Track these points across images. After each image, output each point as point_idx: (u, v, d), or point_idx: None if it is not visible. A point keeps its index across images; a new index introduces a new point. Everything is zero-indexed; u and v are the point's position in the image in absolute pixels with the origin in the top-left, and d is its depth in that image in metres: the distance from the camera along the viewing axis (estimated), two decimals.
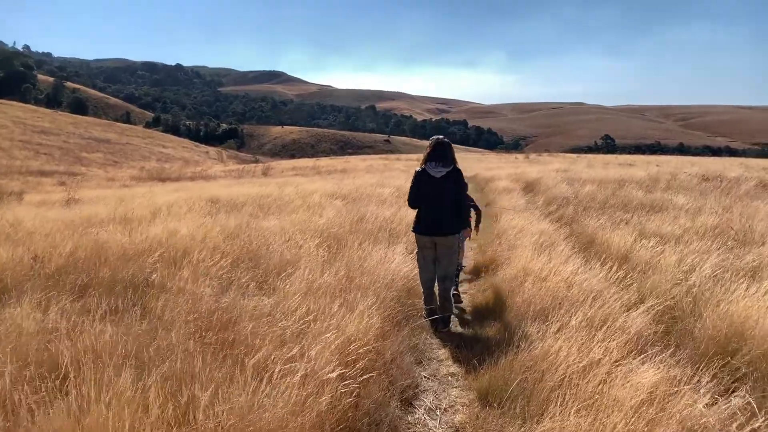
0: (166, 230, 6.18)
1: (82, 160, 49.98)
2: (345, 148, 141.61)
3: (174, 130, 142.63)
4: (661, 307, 4.52)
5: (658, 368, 3.30)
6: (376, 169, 31.64)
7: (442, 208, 5.06)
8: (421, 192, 5.11)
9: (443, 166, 5.03)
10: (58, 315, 3.72)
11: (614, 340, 3.70)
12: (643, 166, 36.60)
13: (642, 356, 3.54)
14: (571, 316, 4.21)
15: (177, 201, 9.33)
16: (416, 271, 5.49)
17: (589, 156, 67.81)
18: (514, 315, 4.85)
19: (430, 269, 5.26)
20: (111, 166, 50.09)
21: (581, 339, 3.73)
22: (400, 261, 5.88)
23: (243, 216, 7.45)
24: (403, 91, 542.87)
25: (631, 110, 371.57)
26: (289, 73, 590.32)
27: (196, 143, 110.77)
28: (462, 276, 6.78)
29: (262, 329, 3.61)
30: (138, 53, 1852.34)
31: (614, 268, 5.44)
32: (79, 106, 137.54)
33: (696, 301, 4.57)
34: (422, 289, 5.34)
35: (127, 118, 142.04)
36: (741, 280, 4.73)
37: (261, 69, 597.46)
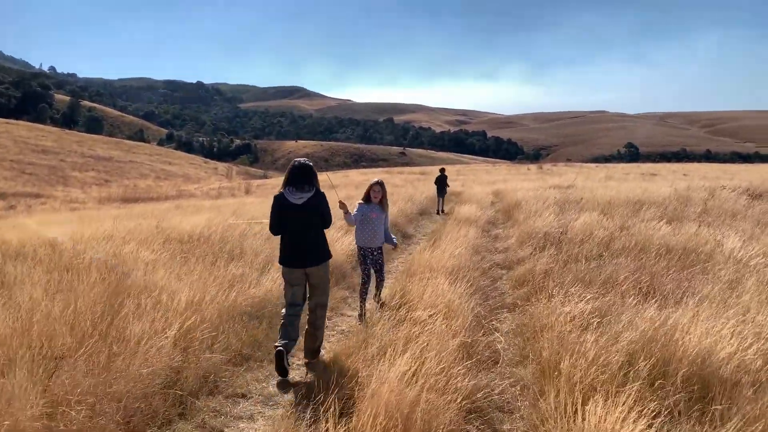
0: None
1: (67, 180, 47.67)
2: (359, 162, 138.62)
3: (187, 146, 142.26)
4: None
5: None
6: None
7: (307, 236, 4.64)
8: (282, 219, 4.66)
9: (302, 192, 4.59)
10: None
11: None
12: (668, 176, 32.49)
13: None
14: None
15: None
16: None
17: (610, 165, 63.89)
18: None
19: (297, 302, 4.71)
20: (98, 185, 47.71)
21: None
22: None
23: None
24: (422, 103, 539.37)
25: (655, 118, 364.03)
26: (308, 89, 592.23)
27: (206, 159, 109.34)
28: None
29: None
30: (160, 72, 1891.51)
31: None
32: (94, 125, 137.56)
33: None
34: (282, 321, 4.71)
35: (140, 136, 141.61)
36: None
37: (281, 85, 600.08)
